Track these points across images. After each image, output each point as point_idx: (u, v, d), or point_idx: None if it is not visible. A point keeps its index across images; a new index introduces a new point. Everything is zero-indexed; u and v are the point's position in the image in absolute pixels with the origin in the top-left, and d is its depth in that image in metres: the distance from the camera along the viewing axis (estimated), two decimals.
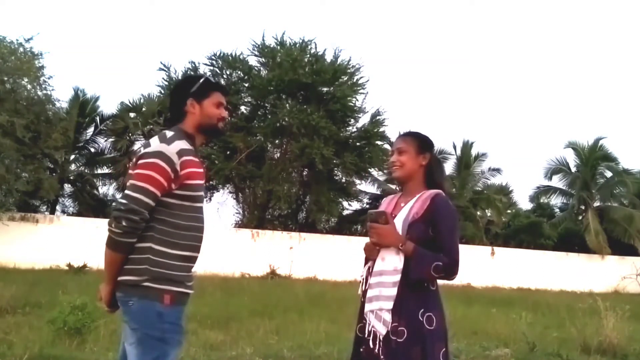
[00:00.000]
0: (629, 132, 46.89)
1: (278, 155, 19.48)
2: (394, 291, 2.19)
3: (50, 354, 4.53)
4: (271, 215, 20.63)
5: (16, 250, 14.24)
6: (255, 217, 19.17)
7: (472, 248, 19.43)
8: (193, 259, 2.21)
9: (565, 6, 56.19)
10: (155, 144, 2.15)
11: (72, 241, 14.67)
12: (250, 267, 15.85)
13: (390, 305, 2.18)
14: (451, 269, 2.19)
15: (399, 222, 2.27)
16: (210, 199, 20.20)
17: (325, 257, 16.82)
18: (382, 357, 2.16)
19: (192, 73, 18.04)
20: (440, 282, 2.31)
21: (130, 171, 2.17)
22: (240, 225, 19.36)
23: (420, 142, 2.39)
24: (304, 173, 19.90)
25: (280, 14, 43.76)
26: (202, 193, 2.25)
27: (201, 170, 2.23)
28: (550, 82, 52.38)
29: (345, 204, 21.18)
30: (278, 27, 46.55)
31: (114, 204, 2.16)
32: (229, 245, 16.24)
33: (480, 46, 54.58)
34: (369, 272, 2.31)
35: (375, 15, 53.52)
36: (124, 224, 2.03)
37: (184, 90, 2.33)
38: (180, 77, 18.85)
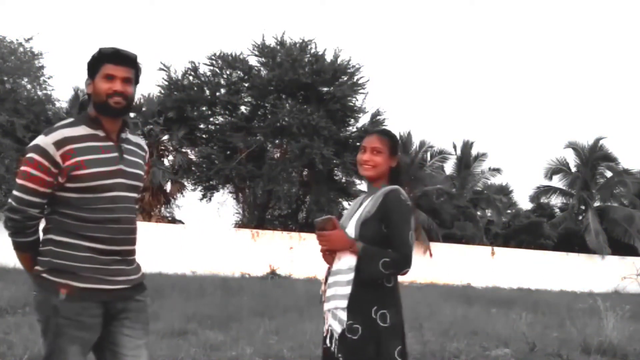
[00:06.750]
0: (629, 132, 46.96)
1: (278, 155, 19.48)
2: (348, 289, 2.20)
3: None
4: (271, 215, 20.64)
5: None
6: (255, 217, 19.18)
7: (472, 248, 19.41)
8: (111, 252, 2.03)
9: (565, 6, 56.23)
10: (38, 136, 1.98)
11: None
12: (250, 267, 15.85)
13: (344, 303, 2.20)
14: (401, 264, 2.18)
15: (353, 223, 2.29)
16: (210, 199, 20.23)
17: None
18: (339, 355, 2.18)
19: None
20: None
21: None
22: (240, 225, 19.37)
23: (394, 144, 2.41)
24: (304, 173, 19.91)
25: (280, 14, 43.79)
26: (108, 181, 1.98)
27: (102, 156, 1.99)
28: (550, 82, 52.43)
29: (345, 204, 21.17)
30: (278, 27, 46.56)
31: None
32: (229, 245, 16.24)
33: (480, 46, 54.63)
34: (328, 273, 2.34)
35: (375, 16, 53.56)
36: (8, 224, 2.01)
37: (87, 71, 2.07)
38: (179, 77, 18.87)
